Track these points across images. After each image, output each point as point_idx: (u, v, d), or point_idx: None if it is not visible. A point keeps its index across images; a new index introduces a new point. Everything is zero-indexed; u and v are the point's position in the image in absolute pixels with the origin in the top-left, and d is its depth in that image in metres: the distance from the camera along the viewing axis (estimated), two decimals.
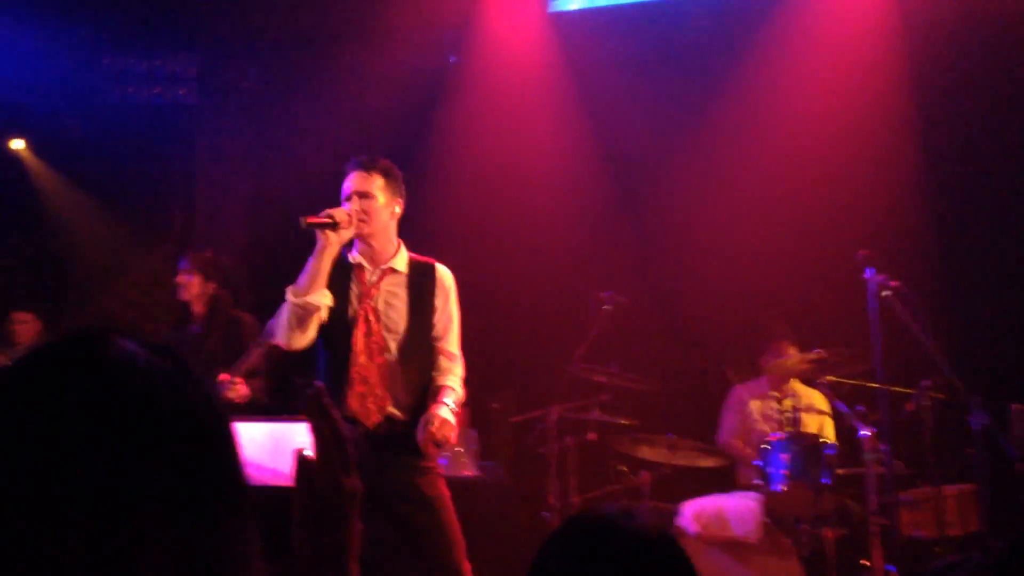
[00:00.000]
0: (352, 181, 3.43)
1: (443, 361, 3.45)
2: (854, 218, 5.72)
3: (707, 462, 5.14)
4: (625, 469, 5.06)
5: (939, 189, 5.85)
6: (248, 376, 4.34)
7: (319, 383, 1.13)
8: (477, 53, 6.54)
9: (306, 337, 3.31)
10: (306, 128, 6.55)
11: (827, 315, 5.52)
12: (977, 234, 5.82)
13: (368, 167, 3.45)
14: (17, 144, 6.82)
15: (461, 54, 6.58)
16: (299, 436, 1.20)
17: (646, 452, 5.03)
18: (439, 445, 3.25)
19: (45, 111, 6.46)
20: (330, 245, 3.28)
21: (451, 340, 3.47)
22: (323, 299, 3.32)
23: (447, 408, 3.30)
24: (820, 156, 5.92)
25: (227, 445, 0.78)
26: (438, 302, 3.46)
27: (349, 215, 3.33)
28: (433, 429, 3.20)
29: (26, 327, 5.87)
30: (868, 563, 4.33)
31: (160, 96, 6.60)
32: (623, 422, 5.05)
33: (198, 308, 4.81)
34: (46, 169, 6.72)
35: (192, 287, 4.78)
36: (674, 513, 4.78)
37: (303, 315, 3.28)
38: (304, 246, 7.02)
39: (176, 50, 6.59)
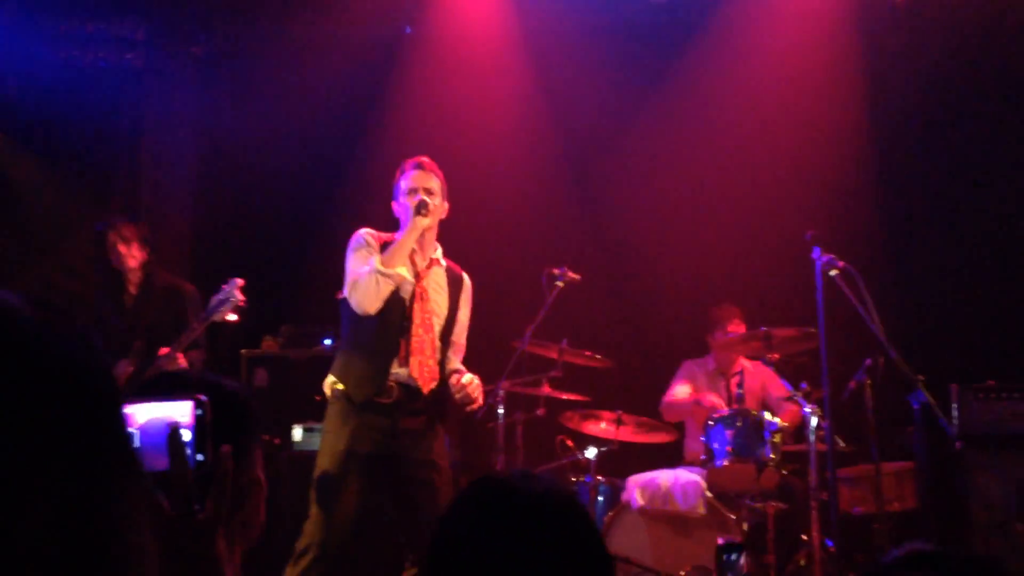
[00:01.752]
0: (418, 179, 3.79)
1: (455, 351, 3.90)
2: (803, 199, 5.77)
3: (654, 438, 5.17)
4: (572, 444, 5.06)
5: (887, 170, 5.92)
6: (188, 348, 4.28)
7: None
8: (432, 24, 6.43)
9: (380, 305, 3.63)
10: (257, 96, 6.41)
11: (775, 294, 5.57)
12: (924, 216, 5.91)
13: (431, 168, 3.85)
14: None
15: (416, 24, 6.47)
16: (179, 414, 1.15)
17: (594, 428, 5.04)
18: (471, 402, 3.71)
19: None
20: (418, 229, 3.68)
21: (463, 336, 3.94)
22: (408, 273, 3.69)
23: (471, 375, 3.78)
24: (771, 137, 5.96)
25: (110, 403, 0.75)
26: (465, 308, 3.93)
27: (435, 207, 3.74)
28: (471, 388, 3.69)
29: None
30: (807, 538, 4.39)
31: (105, 60, 6.39)
32: (572, 398, 5.05)
33: (135, 277, 4.76)
34: None
35: (135, 257, 4.74)
36: (620, 488, 4.80)
37: (389, 286, 3.61)
38: (250, 220, 6.89)
39: (124, 13, 6.37)
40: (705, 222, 6.10)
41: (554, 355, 4.97)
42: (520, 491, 1.28)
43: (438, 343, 3.77)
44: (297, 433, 5.14)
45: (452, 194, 3.97)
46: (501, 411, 4.74)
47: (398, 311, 3.69)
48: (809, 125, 5.90)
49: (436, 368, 3.74)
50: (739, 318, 5.30)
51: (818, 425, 4.38)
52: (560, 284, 4.84)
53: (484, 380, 5.11)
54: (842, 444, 4.64)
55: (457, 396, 3.73)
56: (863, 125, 5.92)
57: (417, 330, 3.71)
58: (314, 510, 3.60)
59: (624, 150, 6.30)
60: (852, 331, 4.54)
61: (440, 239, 3.98)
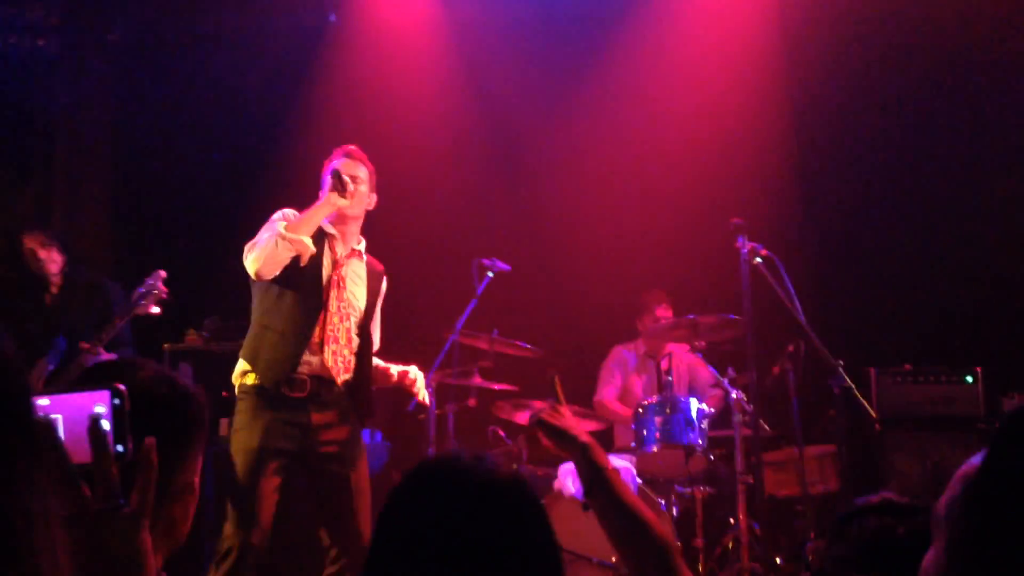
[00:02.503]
0: (345, 167, 3.70)
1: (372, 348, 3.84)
2: (727, 187, 5.85)
3: (585, 426, 5.19)
4: (503, 434, 5.06)
5: (807, 158, 6.04)
6: (113, 346, 4.16)
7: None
8: (357, 11, 6.34)
9: (275, 270, 3.51)
10: (175, 85, 6.23)
11: (701, 281, 5.64)
12: (846, 202, 6.04)
13: (359, 157, 3.77)
14: None
15: (340, 12, 6.37)
16: (96, 405, 1.12)
17: (524, 417, 5.04)
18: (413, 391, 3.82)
19: None
20: (333, 205, 3.59)
21: (378, 336, 3.90)
22: (308, 247, 3.55)
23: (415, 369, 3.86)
24: (695, 125, 6.02)
25: (12, 394, 0.75)
26: (378, 298, 3.84)
27: (351, 194, 3.62)
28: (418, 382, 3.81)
29: None
30: (734, 521, 4.47)
31: (17, 46, 6.14)
32: (503, 388, 5.04)
33: (57, 279, 4.67)
34: None
35: (56, 262, 4.66)
36: (552, 476, 4.81)
37: (288, 251, 3.49)
38: (170, 211, 6.69)
39: None
40: (632, 211, 6.14)
41: (485, 345, 4.95)
42: (472, 472, 1.27)
43: (355, 335, 3.68)
44: (223, 427, 5.02)
45: (380, 185, 3.90)
46: (432, 402, 4.72)
47: (314, 296, 3.59)
48: (732, 113, 5.97)
49: (351, 359, 3.65)
50: (666, 302, 5.36)
51: (743, 410, 4.46)
52: (490, 274, 4.83)
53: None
54: (767, 428, 4.73)
55: (419, 397, 3.84)
56: (784, 112, 6.02)
57: (332, 318, 3.61)
58: (232, 511, 3.52)
59: (551, 139, 6.31)
60: (775, 317, 4.63)
61: (368, 230, 3.92)
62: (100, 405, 1.09)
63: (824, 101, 5.98)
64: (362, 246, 3.80)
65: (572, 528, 4.66)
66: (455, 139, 6.30)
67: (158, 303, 4.12)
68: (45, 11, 6.21)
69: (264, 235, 3.52)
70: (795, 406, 4.54)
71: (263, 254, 3.46)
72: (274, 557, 3.69)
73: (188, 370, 5.33)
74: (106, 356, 4.14)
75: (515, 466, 4.91)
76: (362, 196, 3.71)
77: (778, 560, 4.54)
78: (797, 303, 4.28)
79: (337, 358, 3.59)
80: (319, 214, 3.58)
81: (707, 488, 4.69)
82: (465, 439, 5.11)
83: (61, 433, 1.07)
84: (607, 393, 5.44)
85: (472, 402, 4.98)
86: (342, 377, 3.61)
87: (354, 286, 3.73)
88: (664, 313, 5.29)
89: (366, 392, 3.74)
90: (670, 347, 5.42)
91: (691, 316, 4.76)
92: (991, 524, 1.12)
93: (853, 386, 4.43)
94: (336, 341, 3.59)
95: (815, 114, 6.03)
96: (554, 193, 6.29)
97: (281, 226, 3.50)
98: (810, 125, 6.04)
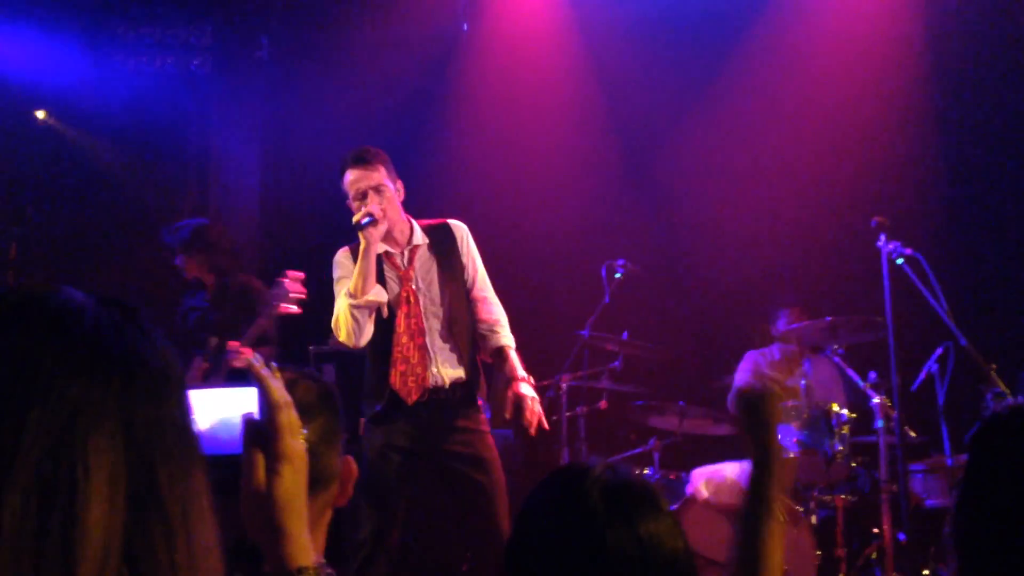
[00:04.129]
0: (360, 179, 3.49)
1: (484, 311, 3.60)
2: (867, 184, 5.62)
3: (717, 430, 5.08)
4: (635, 437, 5.01)
5: (953, 154, 5.74)
6: (257, 344, 4.33)
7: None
8: (489, 20, 6.42)
9: (367, 335, 3.44)
10: (319, 97, 6.47)
11: (840, 282, 5.44)
12: (992, 199, 5.71)
13: (369, 162, 3.50)
14: (39, 114, 6.74)
15: (473, 21, 6.46)
16: (248, 401, 1.17)
17: (656, 420, 4.98)
18: (527, 424, 3.44)
19: (61, 82, 6.40)
20: (375, 243, 3.41)
21: (486, 287, 3.63)
22: (381, 296, 3.45)
23: (527, 384, 3.48)
24: (833, 122, 5.81)
25: (170, 389, 0.78)
26: (464, 258, 3.60)
27: (382, 210, 3.43)
28: (528, 414, 3.42)
29: None
30: (878, 531, 4.27)
31: (173, 65, 6.52)
32: (634, 390, 4.99)
33: (208, 280, 4.89)
34: (70, 135, 6.65)
35: (190, 269, 4.86)
36: (684, 481, 4.73)
37: (365, 314, 3.41)
38: (316, 218, 6.93)
39: (189, 19, 6.50)
40: (767, 211, 5.97)
41: (615, 347, 4.91)
42: (603, 479, 1.28)
43: (439, 340, 3.52)
44: (362, 427, 5.17)
45: (512, 189, 3.92)
46: (563, 404, 4.72)
47: (387, 321, 3.51)
48: (871, 106, 5.73)
49: (424, 376, 3.47)
50: (803, 307, 5.19)
51: (886, 416, 4.26)
52: (619, 276, 4.79)
53: (545, 373, 5.11)
54: (912, 435, 4.51)
55: (508, 415, 3.48)
56: (928, 108, 5.73)
57: (400, 339, 3.49)
58: (365, 505, 3.60)
59: (683, 141, 6.20)
60: (921, 320, 4.40)
61: (497, 232, 3.89)
62: (248, 401, 1.14)
63: (969, 91, 5.66)
64: (416, 235, 3.60)
65: (705, 533, 4.56)
66: (586, 142, 6.29)
67: (297, 303, 4.25)
68: (198, 32, 6.56)
69: (337, 309, 3.45)
70: (943, 412, 4.31)
71: (348, 331, 3.41)
72: (411, 552, 3.76)
73: (331, 371, 5.52)
74: (249, 354, 4.30)
75: (647, 470, 4.85)
76: (391, 200, 3.51)
77: (925, 572, 4.31)
78: (944, 303, 4.06)
79: (407, 379, 3.48)
80: (369, 262, 3.41)
81: (849, 496, 4.50)
82: (596, 442, 5.09)
83: (209, 426, 1.13)
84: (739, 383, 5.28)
85: (603, 404, 4.95)
86: (413, 398, 3.48)
87: (428, 285, 3.57)
88: (800, 319, 5.11)
89: (474, 390, 3.61)
90: (805, 351, 5.23)
91: (829, 318, 4.58)
92: (977, 537, 1.06)
93: (1008, 391, 4.16)
94: (405, 362, 3.48)
95: (959, 105, 5.71)
96: (685, 193, 6.19)
97: (344, 299, 3.42)
98: (953, 116, 5.73)
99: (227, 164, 6.58)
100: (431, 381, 3.48)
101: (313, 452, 1.17)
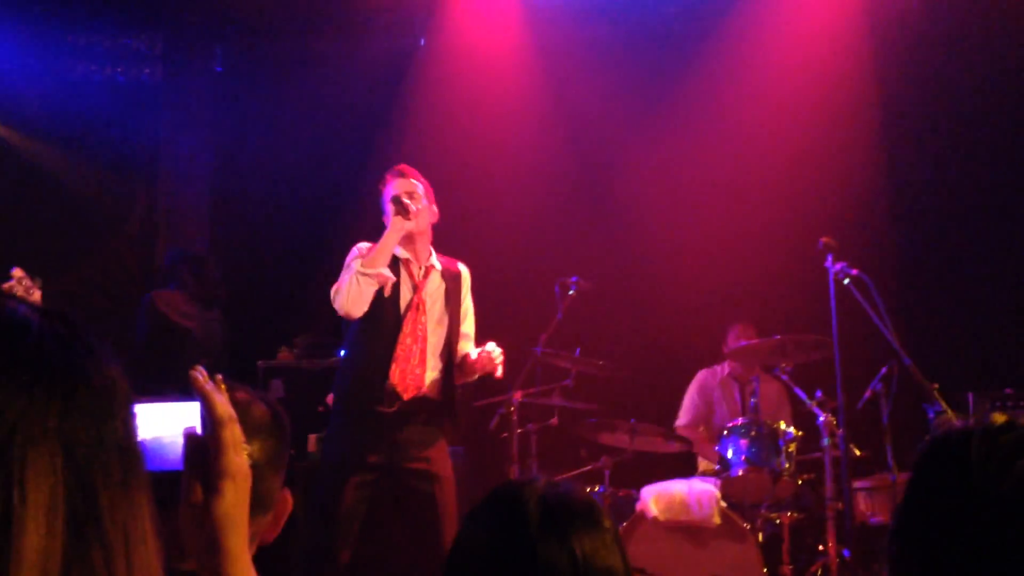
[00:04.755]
0: (399, 186, 3.75)
1: (466, 347, 3.89)
2: (816, 205, 5.71)
3: (668, 448, 5.11)
4: (585, 454, 5.01)
5: (899, 175, 5.85)
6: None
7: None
8: (446, 35, 6.42)
9: (364, 307, 3.59)
10: (272, 110, 6.41)
11: (788, 302, 5.51)
12: (936, 220, 5.83)
13: (411, 174, 3.80)
14: None
15: (429, 36, 6.46)
16: (191, 416, 1.14)
17: (607, 437, 4.98)
18: (492, 368, 3.70)
19: (10, 89, 6.26)
20: (400, 230, 3.64)
21: (472, 328, 3.92)
22: (389, 275, 3.63)
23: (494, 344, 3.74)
24: (784, 143, 5.90)
25: (118, 412, 0.75)
26: (466, 302, 3.89)
27: (418, 210, 3.68)
28: (494, 354, 3.69)
29: None
30: (824, 548, 4.32)
31: (123, 75, 6.42)
32: (585, 407, 4.99)
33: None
34: (18, 141, 6.51)
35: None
36: (634, 498, 4.74)
37: (371, 286, 3.58)
38: (266, 232, 6.85)
39: (141, 28, 6.40)
40: (717, 229, 6.04)
41: (567, 364, 4.92)
42: (545, 495, 1.26)
43: (433, 355, 3.75)
44: (311, 443, 5.11)
45: (467, 205, 3.97)
46: (514, 421, 4.70)
47: (394, 321, 3.69)
48: (820, 130, 5.83)
49: (422, 377, 3.69)
50: (752, 327, 5.25)
51: (832, 434, 4.32)
52: (573, 293, 4.80)
53: (496, 391, 5.10)
54: (857, 452, 4.57)
55: (478, 364, 3.74)
56: (875, 130, 5.85)
57: (405, 339, 3.68)
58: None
59: (636, 158, 6.26)
60: (866, 339, 4.47)
61: (450, 247, 3.97)
62: (192, 416, 1.11)
63: (915, 114, 5.79)
64: (434, 259, 3.84)
65: (654, 551, 4.58)
66: (541, 159, 6.31)
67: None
68: (149, 41, 6.47)
69: (345, 276, 3.62)
70: (887, 430, 4.37)
71: (348, 295, 3.56)
72: (358, 567, 3.73)
73: (279, 386, 5.45)
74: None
75: (597, 488, 4.85)
76: (424, 211, 3.76)
77: None
78: (889, 323, 4.13)
79: (406, 376, 3.66)
80: (390, 242, 3.63)
81: (795, 513, 4.55)
82: (548, 459, 5.08)
83: (151, 439, 1.10)
84: (686, 421, 5.35)
85: (554, 421, 4.94)
86: (411, 394, 3.66)
87: (433, 304, 3.78)
88: (750, 337, 5.17)
89: (450, 409, 3.79)
90: (756, 369, 5.30)
91: (778, 336, 4.64)
92: (913, 561, 1.07)
93: (950, 410, 4.24)
94: (407, 361, 3.66)
95: (906, 129, 5.84)
96: (638, 210, 6.24)
97: (358, 264, 3.59)
98: (901, 140, 5.86)
99: (176, 174, 6.49)
100: (426, 385, 3.67)
101: (258, 474, 1.14)
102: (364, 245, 3.74)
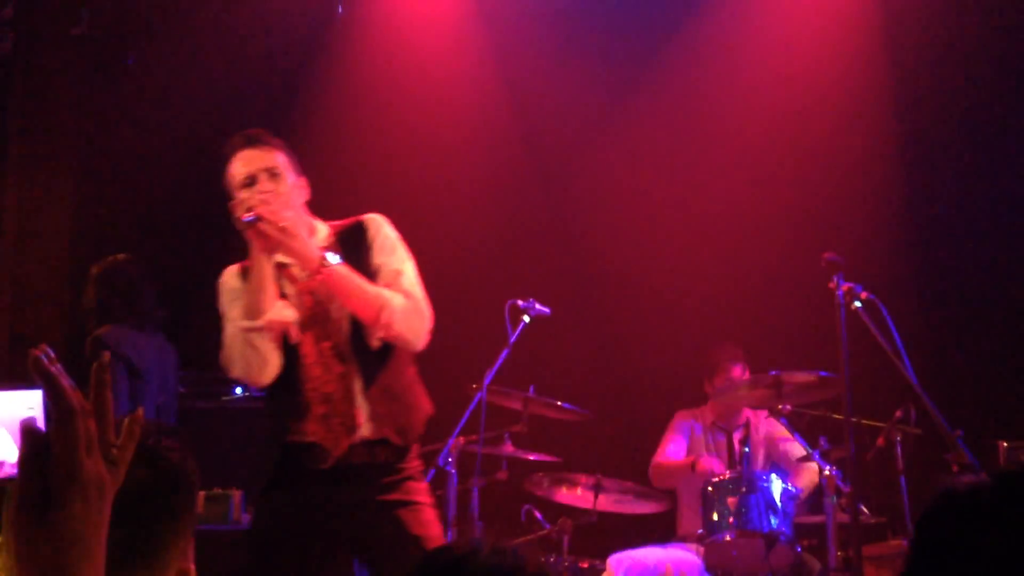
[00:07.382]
0: (249, 162, 3.27)
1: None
2: (818, 222, 5.82)
3: (641, 508, 5.16)
4: (539, 515, 5.03)
5: (917, 186, 5.98)
6: None
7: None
8: (369, 4, 6.46)
9: (276, 365, 3.21)
10: (155, 86, 6.37)
11: (786, 332, 5.61)
12: (964, 237, 5.94)
13: (264, 143, 3.31)
14: None
15: (349, 4, 6.49)
16: (29, 404, 1.15)
17: (567, 495, 5.02)
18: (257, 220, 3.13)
19: None
20: (269, 259, 3.19)
21: (407, 284, 3.34)
22: (284, 311, 3.22)
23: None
24: (778, 140, 6.01)
25: None
26: (377, 258, 3.34)
27: (263, 201, 3.18)
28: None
29: None
30: None
31: None
32: (541, 458, 5.03)
33: None
34: None
35: None
36: (598, 569, 4.78)
37: (266, 340, 3.18)
38: (142, 236, 6.78)
39: None
40: (701, 246, 6.12)
41: (518, 406, 4.95)
42: (488, 569, 1.26)
43: (365, 368, 3.26)
44: (199, 502, 5.05)
45: (395, 209, 3.84)
46: (453, 476, 4.71)
47: (289, 353, 3.25)
48: (824, 125, 5.95)
49: (354, 412, 3.21)
50: (743, 361, 5.32)
51: (838, 490, 4.41)
52: (526, 319, 4.84)
53: (434, 435, 5.10)
54: (868, 514, 4.67)
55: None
56: (889, 124, 5.98)
57: (311, 371, 3.24)
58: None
59: (604, 159, 6.33)
60: (879, 376, 4.58)
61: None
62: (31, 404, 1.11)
63: (935, 112, 5.96)
64: (323, 234, 3.38)
65: None
66: (483, 156, 6.35)
67: None
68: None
69: (228, 334, 3.24)
70: (903, 486, 4.48)
71: (244, 365, 3.20)
72: None
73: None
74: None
75: (553, 558, 4.88)
76: (288, 193, 3.28)
77: None
78: (906, 358, 4.24)
79: (331, 421, 3.21)
80: (262, 278, 3.19)
81: None
82: (492, 521, 5.09)
83: None
84: (670, 452, 5.36)
85: (502, 475, 4.97)
86: (342, 446, 3.20)
87: (334, 298, 3.29)
88: (740, 375, 5.25)
89: (407, 439, 3.35)
90: (747, 413, 5.38)
91: (773, 373, 4.73)
92: None
93: (976, 462, 4.36)
94: (326, 401, 3.23)
95: (924, 127, 5.99)
96: (607, 222, 6.30)
97: (236, 320, 3.21)
98: (918, 141, 6.01)
99: (34, 159, 6.44)
100: (363, 419, 3.22)
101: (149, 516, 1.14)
102: (230, 276, 3.37)
